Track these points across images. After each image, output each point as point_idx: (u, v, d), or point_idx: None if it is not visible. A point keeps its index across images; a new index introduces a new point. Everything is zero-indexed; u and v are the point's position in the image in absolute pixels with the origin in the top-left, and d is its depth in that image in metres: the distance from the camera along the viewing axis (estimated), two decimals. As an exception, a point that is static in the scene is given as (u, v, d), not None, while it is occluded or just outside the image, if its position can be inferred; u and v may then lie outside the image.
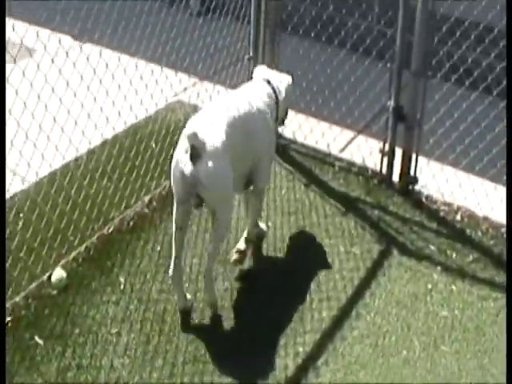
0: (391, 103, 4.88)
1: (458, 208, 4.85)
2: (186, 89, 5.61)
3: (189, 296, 4.02)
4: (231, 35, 5.54)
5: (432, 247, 4.54)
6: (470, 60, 5.07)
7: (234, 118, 3.75)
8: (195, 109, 5.66)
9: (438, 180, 4.96)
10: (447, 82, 5.02)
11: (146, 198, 4.82)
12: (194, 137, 3.45)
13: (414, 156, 4.92)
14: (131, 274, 4.24)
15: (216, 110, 3.75)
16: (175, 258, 3.85)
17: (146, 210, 4.75)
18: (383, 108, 4.93)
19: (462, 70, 4.97)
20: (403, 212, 4.84)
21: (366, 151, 5.19)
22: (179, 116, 5.67)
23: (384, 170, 5.09)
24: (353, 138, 5.19)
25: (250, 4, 5.18)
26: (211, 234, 4.07)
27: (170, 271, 3.88)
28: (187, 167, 3.51)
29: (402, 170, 5.01)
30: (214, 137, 3.56)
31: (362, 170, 5.19)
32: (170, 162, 3.67)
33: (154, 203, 4.81)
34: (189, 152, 3.49)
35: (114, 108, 4.66)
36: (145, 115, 5.34)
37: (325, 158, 5.33)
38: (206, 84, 5.58)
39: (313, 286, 4.20)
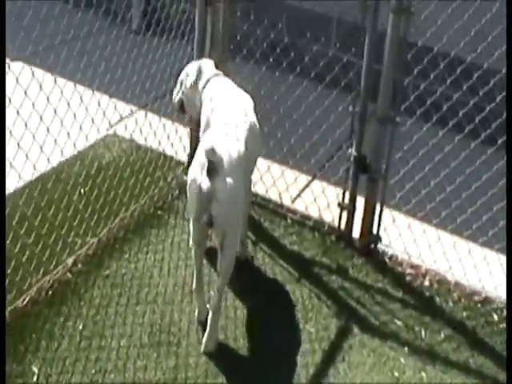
0: (352, 151, 4.29)
1: (427, 272, 4.29)
2: (121, 119, 4.98)
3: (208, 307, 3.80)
4: (175, 56, 4.93)
5: (398, 322, 3.96)
6: (438, 94, 4.48)
7: (247, 132, 3.71)
8: (133, 144, 5.04)
9: (405, 239, 4.39)
10: (415, 121, 4.44)
11: (69, 260, 4.14)
12: (211, 152, 3.36)
13: (377, 210, 4.34)
14: (47, 362, 3.57)
15: (228, 123, 3.67)
16: (197, 273, 3.81)
17: (69, 275, 4.08)
18: (343, 153, 4.35)
19: (430, 106, 4.42)
20: (365, 277, 4.25)
21: (323, 202, 4.59)
22: (114, 153, 5.03)
23: (343, 226, 4.50)
24: (306, 186, 4.60)
25: (194, 24, 4.57)
26: (219, 264, 3.66)
27: (194, 285, 3.85)
28: (204, 183, 3.42)
29: (363, 226, 4.42)
30: (230, 152, 3.50)
31: (318, 225, 4.59)
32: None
33: (79, 265, 4.14)
34: (206, 167, 3.40)
35: (35, 143, 3.80)
36: (72, 152, 4.68)
37: (276, 209, 4.72)
38: (146, 114, 4.94)
39: (255, 373, 3.60)
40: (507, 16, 3.66)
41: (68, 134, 4.09)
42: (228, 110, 3.79)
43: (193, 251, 3.80)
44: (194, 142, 4.64)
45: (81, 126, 4.19)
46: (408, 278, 4.29)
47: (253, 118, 3.88)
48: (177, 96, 4.23)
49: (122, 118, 4.97)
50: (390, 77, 4.00)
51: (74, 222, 4.29)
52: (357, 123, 4.20)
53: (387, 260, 4.38)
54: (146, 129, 4.83)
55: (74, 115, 4.07)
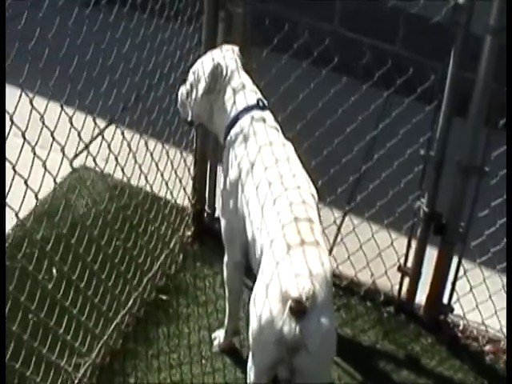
0: (423, 206, 3.39)
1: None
2: (91, 141, 2.87)
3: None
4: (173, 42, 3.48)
5: None
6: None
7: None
8: (110, 182, 3.82)
9: (483, 310, 3.51)
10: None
11: None
12: (311, 299, 2.35)
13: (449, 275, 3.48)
14: None
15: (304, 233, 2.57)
16: None
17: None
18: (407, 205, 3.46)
19: None
20: (439, 364, 3.40)
21: (377, 265, 3.68)
22: (85, 199, 3.71)
23: (403, 295, 3.62)
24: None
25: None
26: None
27: None
28: (287, 326, 2.38)
29: (430, 294, 3.54)
30: (318, 276, 2.44)
31: (372, 294, 3.67)
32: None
33: None
34: (289, 305, 2.37)
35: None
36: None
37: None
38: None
39: None
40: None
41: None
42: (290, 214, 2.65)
43: None
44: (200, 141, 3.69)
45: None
46: (488, 357, 3.48)
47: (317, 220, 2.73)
48: (187, 109, 3.15)
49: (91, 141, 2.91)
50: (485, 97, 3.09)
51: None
52: (431, 171, 3.31)
53: (459, 334, 3.55)
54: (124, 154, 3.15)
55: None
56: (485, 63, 3.04)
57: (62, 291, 2.85)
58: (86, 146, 2.77)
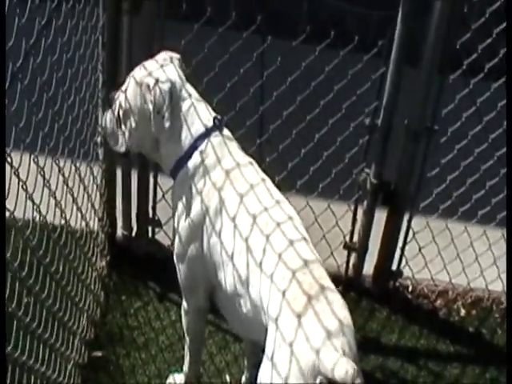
0: (369, 178, 3.01)
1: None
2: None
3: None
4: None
5: None
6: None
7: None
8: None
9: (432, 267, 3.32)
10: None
11: None
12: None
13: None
14: None
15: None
16: None
17: None
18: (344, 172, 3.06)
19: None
20: (399, 336, 3.20)
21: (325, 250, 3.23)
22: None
23: (351, 271, 3.28)
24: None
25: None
26: None
27: None
28: None
29: (378, 264, 3.24)
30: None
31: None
32: None
33: None
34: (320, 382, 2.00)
35: None
36: None
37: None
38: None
39: None
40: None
41: None
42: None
43: None
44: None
45: None
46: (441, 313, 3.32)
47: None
48: (119, 139, 2.49)
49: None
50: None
51: None
52: (376, 141, 2.91)
53: (410, 296, 3.33)
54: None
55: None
56: (438, 12, 2.66)
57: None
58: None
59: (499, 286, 3.34)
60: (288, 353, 2.02)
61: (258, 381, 2.12)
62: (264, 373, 2.10)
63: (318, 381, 1.99)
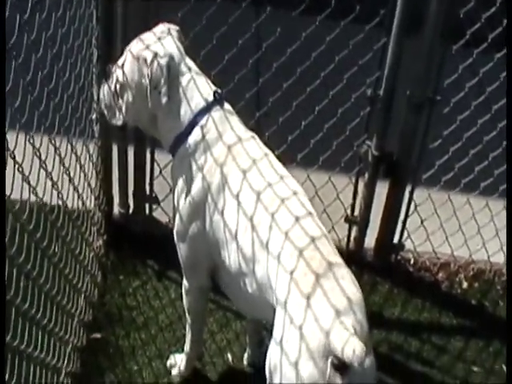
0: (371, 150, 2.94)
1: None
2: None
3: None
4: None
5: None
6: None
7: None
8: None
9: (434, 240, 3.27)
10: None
11: None
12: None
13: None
14: None
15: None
16: None
17: None
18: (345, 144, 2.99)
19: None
20: (402, 309, 3.16)
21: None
22: None
23: (352, 244, 3.23)
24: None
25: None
26: None
27: None
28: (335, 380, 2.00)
29: (379, 238, 3.19)
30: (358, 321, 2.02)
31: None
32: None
33: None
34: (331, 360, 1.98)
35: None
36: None
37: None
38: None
39: None
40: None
41: None
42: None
43: None
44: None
45: None
46: (443, 285, 3.28)
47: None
48: (116, 112, 2.42)
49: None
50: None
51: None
52: (378, 112, 2.84)
53: (411, 269, 3.29)
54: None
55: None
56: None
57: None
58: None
59: (501, 258, 3.29)
60: (298, 335, 1.99)
61: (267, 365, 2.08)
62: (273, 357, 2.05)
63: (329, 361, 1.96)
